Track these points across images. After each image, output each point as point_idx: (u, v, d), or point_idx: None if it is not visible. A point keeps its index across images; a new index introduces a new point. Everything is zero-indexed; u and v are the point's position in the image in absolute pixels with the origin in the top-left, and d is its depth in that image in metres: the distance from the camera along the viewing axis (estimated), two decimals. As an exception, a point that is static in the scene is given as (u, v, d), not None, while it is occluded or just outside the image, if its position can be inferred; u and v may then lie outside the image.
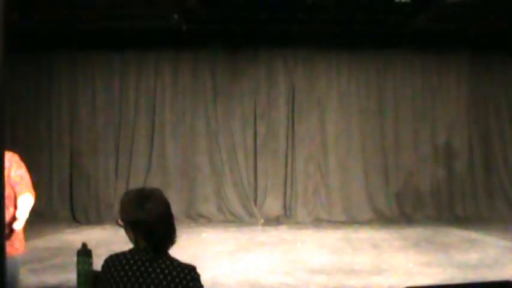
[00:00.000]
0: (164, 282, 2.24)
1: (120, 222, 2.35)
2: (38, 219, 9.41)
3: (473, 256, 6.94)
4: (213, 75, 9.92)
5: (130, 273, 2.26)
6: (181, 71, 9.95)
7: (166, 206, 2.36)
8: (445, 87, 10.05)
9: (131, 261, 2.28)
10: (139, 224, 2.29)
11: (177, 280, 2.25)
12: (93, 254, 2.58)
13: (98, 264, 2.34)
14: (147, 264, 2.27)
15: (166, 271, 2.26)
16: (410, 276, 5.74)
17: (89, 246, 2.65)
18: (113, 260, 2.31)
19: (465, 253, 7.15)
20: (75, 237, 7.94)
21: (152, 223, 2.28)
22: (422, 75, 10.03)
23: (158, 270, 2.26)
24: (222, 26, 8.98)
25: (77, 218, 9.61)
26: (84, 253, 2.61)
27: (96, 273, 2.63)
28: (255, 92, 9.93)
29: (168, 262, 2.29)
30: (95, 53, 9.78)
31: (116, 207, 9.28)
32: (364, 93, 10.02)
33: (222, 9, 8.25)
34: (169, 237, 2.34)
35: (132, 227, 2.31)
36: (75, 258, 2.54)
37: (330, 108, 9.95)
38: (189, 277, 2.28)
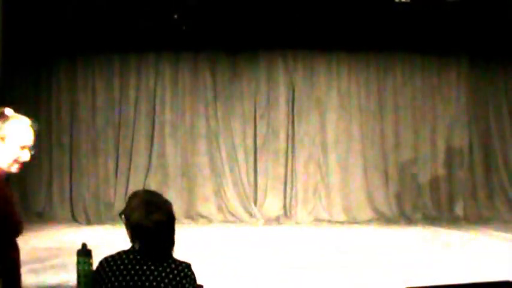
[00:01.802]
0: (159, 279, 2.26)
1: (123, 217, 2.38)
2: (38, 219, 9.46)
3: (473, 256, 6.94)
4: (213, 75, 9.91)
5: (125, 272, 2.28)
6: (181, 71, 9.95)
7: (172, 219, 2.38)
8: (445, 87, 10.05)
9: (126, 261, 2.30)
10: (141, 230, 2.30)
11: (172, 277, 2.27)
12: (93, 254, 2.58)
13: (98, 264, 2.36)
14: (142, 262, 2.29)
15: (161, 268, 2.29)
16: (410, 276, 5.74)
17: (89, 246, 2.65)
18: (108, 262, 2.33)
19: (465, 253, 7.15)
20: (75, 237, 7.93)
21: (154, 233, 2.30)
22: (422, 75, 10.04)
23: (153, 267, 2.29)
24: (222, 26, 8.97)
25: (77, 218, 9.61)
26: (84, 253, 2.60)
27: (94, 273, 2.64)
28: (255, 92, 9.93)
29: (163, 259, 2.31)
30: (95, 53, 9.78)
31: (116, 207, 9.28)
32: (364, 93, 10.02)
33: (222, 9, 8.25)
34: (166, 249, 2.36)
35: (133, 229, 2.33)
36: (75, 258, 2.54)
37: (330, 108, 9.95)
38: (183, 274, 2.30)
